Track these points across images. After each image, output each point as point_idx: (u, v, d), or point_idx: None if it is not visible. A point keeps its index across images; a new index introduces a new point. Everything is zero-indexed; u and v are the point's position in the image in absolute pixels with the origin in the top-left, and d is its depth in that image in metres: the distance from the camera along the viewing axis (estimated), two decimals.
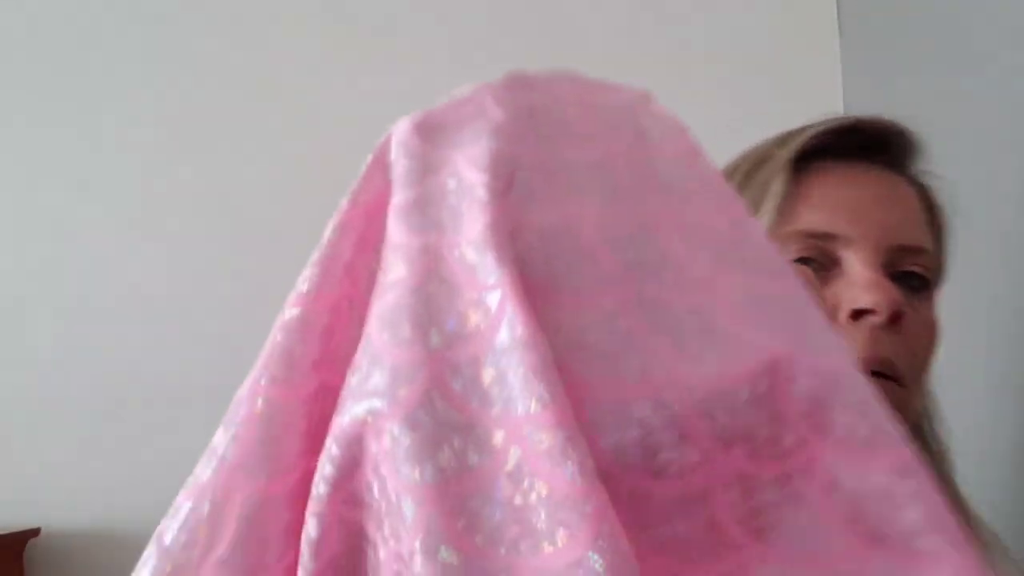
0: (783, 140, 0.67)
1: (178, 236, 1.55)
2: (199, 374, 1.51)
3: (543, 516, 0.26)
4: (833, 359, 0.30)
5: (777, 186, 0.64)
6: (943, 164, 0.72)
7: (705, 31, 1.53)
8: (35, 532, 1.45)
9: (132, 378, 1.52)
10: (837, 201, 0.63)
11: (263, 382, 0.33)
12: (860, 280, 0.60)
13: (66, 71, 1.58)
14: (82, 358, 1.53)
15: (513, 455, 0.27)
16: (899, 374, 0.59)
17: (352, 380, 0.31)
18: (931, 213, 0.69)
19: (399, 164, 0.35)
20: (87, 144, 1.57)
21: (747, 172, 0.67)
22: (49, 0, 1.59)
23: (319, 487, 0.31)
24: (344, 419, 0.30)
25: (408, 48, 1.55)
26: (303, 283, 0.36)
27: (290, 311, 0.35)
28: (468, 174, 0.32)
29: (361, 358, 0.31)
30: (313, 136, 1.55)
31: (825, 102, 1.48)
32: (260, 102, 1.57)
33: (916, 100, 1.29)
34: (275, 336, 0.34)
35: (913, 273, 0.63)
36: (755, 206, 0.64)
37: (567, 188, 0.33)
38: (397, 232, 0.33)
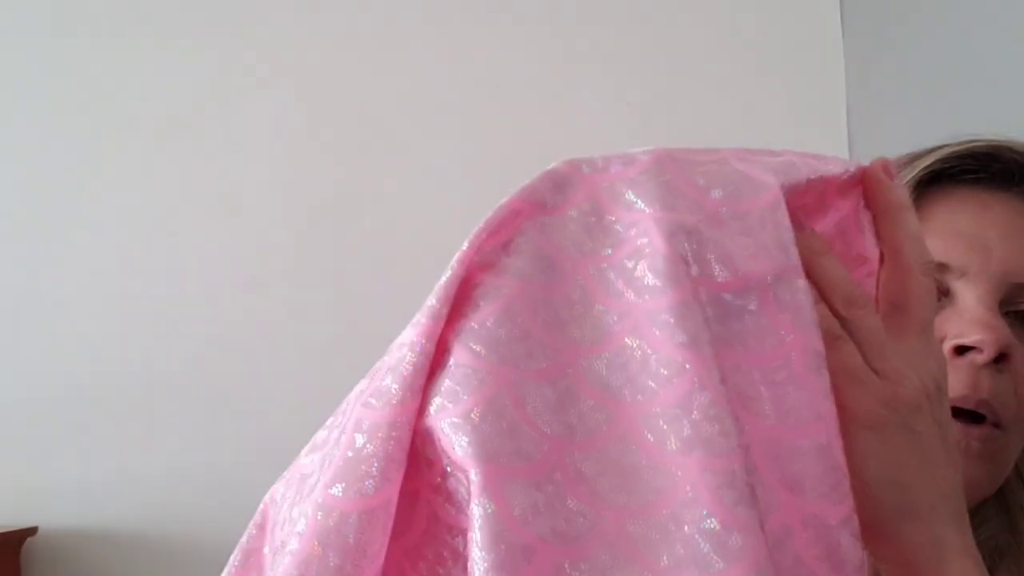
0: (912, 159, 0.63)
1: (178, 236, 1.54)
2: (197, 375, 1.51)
3: None
4: None
5: None
6: None
7: (708, 31, 1.52)
8: (32, 531, 1.45)
9: (129, 378, 1.51)
10: (955, 230, 0.60)
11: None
12: (968, 315, 0.56)
13: (67, 69, 1.57)
14: (80, 357, 1.53)
15: None
16: (999, 418, 0.56)
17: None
18: None
19: None
20: (85, 143, 1.57)
21: None
22: None
23: None
24: None
25: (410, 43, 1.55)
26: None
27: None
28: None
29: None
30: (311, 136, 1.54)
31: (828, 102, 1.48)
32: (258, 102, 1.56)
33: (919, 100, 1.28)
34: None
35: None
36: None
37: None
38: None
